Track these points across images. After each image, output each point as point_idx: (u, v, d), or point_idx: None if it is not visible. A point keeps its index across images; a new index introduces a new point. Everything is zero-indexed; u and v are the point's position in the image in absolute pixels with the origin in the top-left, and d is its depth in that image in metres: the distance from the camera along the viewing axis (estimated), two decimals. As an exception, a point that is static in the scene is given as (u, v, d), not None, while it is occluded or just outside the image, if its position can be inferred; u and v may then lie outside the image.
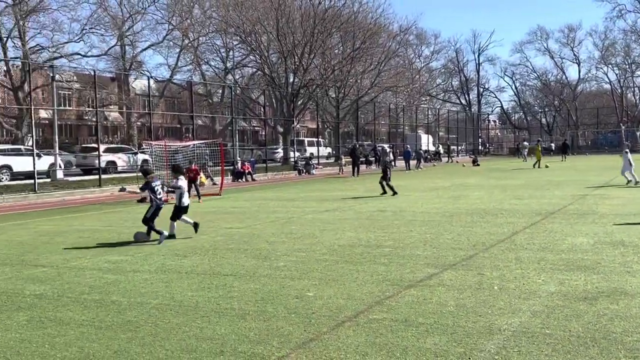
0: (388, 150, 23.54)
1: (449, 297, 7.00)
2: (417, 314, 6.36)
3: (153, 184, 12.63)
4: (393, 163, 45.03)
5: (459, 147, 74.56)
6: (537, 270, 8.28)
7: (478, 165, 46.50)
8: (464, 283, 7.68)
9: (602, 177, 26.86)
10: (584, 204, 16.34)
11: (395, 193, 20.93)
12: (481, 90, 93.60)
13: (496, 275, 8.02)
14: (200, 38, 58.00)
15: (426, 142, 63.08)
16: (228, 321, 6.37)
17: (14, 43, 47.16)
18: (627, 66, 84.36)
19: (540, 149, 42.63)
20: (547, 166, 39.48)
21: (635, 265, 8.39)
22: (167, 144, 26.59)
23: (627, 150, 23.28)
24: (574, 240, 10.57)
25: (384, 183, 21.33)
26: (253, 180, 34.69)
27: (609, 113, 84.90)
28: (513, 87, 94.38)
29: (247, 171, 35.08)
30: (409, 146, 50.12)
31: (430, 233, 12.05)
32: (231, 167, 35.88)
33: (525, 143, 60.81)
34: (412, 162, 44.57)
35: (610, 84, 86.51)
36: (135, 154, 39.59)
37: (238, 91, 53.12)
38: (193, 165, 22.96)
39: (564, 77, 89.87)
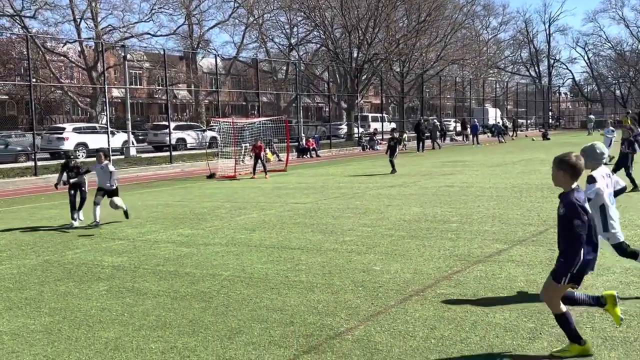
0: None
1: (519, 273, 6.91)
2: (486, 289, 6.32)
3: None
4: (442, 138, 44.44)
5: (529, 121, 72.51)
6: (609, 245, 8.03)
7: (548, 139, 45.14)
8: (534, 259, 7.55)
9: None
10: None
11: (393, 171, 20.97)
12: (552, 61, 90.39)
13: (568, 251, 7.84)
14: (265, 15, 58.31)
15: (494, 115, 61.58)
16: (297, 293, 6.50)
17: (87, 24, 48.70)
18: None
19: (628, 119, 40.62)
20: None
21: None
22: (234, 121, 27.03)
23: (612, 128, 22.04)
24: (650, 216, 10.19)
25: (393, 161, 21.29)
26: (317, 156, 34.87)
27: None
28: (585, 57, 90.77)
29: (311, 147, 35.27)
30: (476, 120, 49.29)
31: (498, 208, 11.86)
32: (296, 144, 36.15)
33: (592, 116, 58.50)
34: (482, 137, 43.66)
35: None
36: (204, 131, 40.40)
37: (302, 67, 53.21)
38: (259, 142, 23.31)
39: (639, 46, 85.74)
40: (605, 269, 6.90)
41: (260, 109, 41.64)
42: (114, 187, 12.07)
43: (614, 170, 13.03)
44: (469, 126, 45.57)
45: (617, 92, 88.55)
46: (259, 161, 22.49)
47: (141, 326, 5.67)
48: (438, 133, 42.15)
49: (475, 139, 41.40)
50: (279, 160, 29.34)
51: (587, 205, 4.45)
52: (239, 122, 27.81)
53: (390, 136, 24.77)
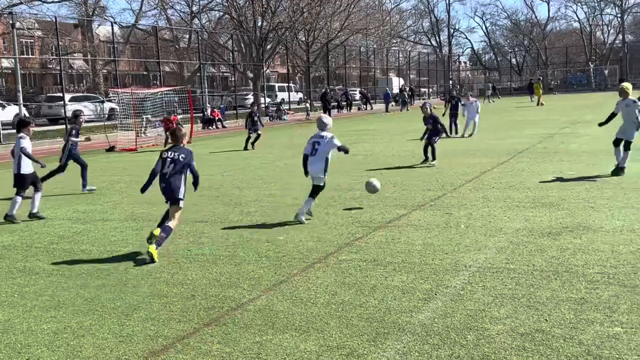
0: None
1: (417, 237, 7.11)
2: (386, 254, 6.47)
3: None
4: (348, 107, 45.91)
5: (430, 90, 74.50)
6: (503, 208, 8.43)
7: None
8: (431, 222, 7.80)
9: (571, 117, 27.17)
10: (552, 143, 16.56)
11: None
12: (452, 31, 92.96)
13: (463, 214, 8.16)
14: (165, -19, 56.26)
15: (397, 85, 62.80)
16: (199, 266, 6.40)
17: (-31, -11, 45.25)
18: (596, 4, 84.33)
19: (541, 86, 42.71)
20: (542, 104, 39.39)
21: (598, 200, 8.59)
22: (134, 92, 26.07)
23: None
24: (540, 178, 10.75)
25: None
26: (223, 127, 34.36)
27: (577, 52, 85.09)
28: (483, 27, 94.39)
29: (217, 118, 34.71)
30: (387, 89, 50.65)
31: (400, 175, 12.14)
32: (200, 115, 35.44)
33: (489, 84, 60.90)
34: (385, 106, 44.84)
35: (579, 23, 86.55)
36: (102, 102, 38.80)
37: (205, 36, 51.97)
38: (172, 115, 22.75)
39: (533, 16, 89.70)
40: (497, 229, 7.23)
41: (162, 79, 40.41)
42: None
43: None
44: (369, 95, 47.62)
45: (513, 60, 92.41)
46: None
47: (33, 307, 5.41)
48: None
49: (386, 107, 42.99)
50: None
51: None
52: (139, 93, 26.87)
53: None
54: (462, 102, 21.68)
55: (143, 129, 25.53)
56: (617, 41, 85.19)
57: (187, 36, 61.34)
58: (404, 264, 6.09)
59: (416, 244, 6.79)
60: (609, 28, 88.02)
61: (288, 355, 4.17)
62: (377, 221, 8.06)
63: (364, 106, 50.17)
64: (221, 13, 57.21)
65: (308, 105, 42.87)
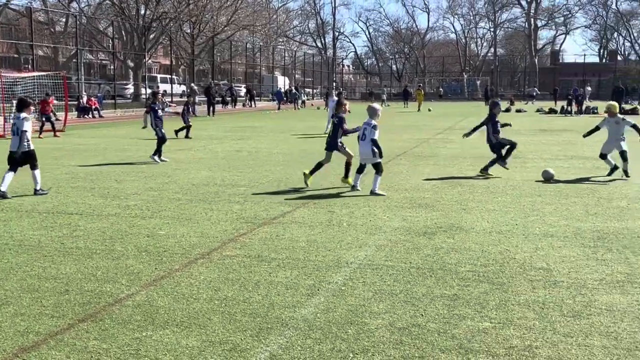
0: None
1: (301, 234, 7.20)
2: (270, 250, 6.49)
3: None
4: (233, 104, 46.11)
5: (314, 90, 75.52)
6: (382, 208, 8.72)
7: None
8: (315, 220, 7.92)
9: (446, 123, 28.57)
10: (427, 147, 17.33)
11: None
12: (336, 34, 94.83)
13: (345, 213, 8.35)
14: (41, -41, 53.06)
15: (283, 83, 63.13)
16: (73, 260, 6.11)
17: None
18: (472, 17, 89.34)
19: (422, 93, 44.75)
20: (429, 110, 41.06)
21: (470, 203, 9.11)
22: (3, 75, 24.36)
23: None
24: (416, 181, 11.22)
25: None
26: (100, 116, 32.96)
27: (453, 62, 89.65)
28: (367, 32, 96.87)
29: (93, 107, 33.22)
30: (280, 87, 51.41)
31: (285, 173, 12.22)
32: (76, 102, 33.76)
33: (384, 88, 63.08)
34: (271, 104, 45.08)
35: (456, 34, 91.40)
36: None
37: (84, 20, 49.53)
38: (50, 98, 21.63)
39: (414, 25, 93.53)
40: (377, 228, 7.47)
41: (35, 63, 38.05)
42: None
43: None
44: (254, 92, 48.28)
45: (394, 66, 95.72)
46: (47, 119, 20.88)
47: None
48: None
49: (279, 105, 43.81)
50: (57, 119, 27.19)
51: None
52: (8, 77, 25.16)
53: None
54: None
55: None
56: (489, 54, 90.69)
57: (64, 20, 58.15)
58: (288, 260, 6.14)
59: (300, 241, 6.87)
60: (483, 41, 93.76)
61: (169, 352, 4.07)
62: (261, 217, 8.07)
63: (249, 102, 50.10)
64: (102, -2, 54.84)
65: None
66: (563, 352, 4.08)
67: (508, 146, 11.91)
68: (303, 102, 50.05)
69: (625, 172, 11.32)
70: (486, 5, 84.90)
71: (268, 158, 14.71)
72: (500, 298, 5.07)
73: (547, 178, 11.11)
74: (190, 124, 20.54)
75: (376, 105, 10.16)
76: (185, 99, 45.36)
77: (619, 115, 11.74)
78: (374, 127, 9.71)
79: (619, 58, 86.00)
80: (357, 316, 4.67)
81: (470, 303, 4.95)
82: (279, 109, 44.91)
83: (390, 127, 26.00)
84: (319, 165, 10.45)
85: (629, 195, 9.78)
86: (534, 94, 56.87)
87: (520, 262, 6.08)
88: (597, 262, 6.08)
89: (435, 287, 5.35)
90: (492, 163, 11.74)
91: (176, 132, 19.99)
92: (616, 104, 12.13)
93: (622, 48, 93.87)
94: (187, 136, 20.07)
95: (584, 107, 38.37)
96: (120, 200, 9.31)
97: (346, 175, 10.41)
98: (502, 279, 5.57)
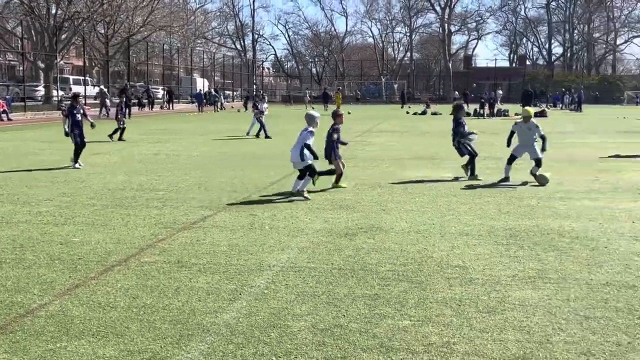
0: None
1: (222, 238, 7.12)
2: (190, 255, 6.39)
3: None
4: (150, 106, 45.45)
5: (234, 93, 74.97)
6: (304, 210, 8.76)
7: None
8: (237, 224, 7.85)
9: (365, 126, 29.01)
10: (347, 150, 17.53)
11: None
12: (256, 36, 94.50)
13: (267, 216, 8.33)
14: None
15: (201, 85, 62.29)
16: (-20, 271, 5.79)
17: None
18: (388, 22, 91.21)
19: (340, 96, 45.70)
20: (349, 113, 41.30)
21: (389, 204, 9.28)
22: None
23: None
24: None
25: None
26: (9, 120, 31.45)
27: (371, 66, 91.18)
28: (286, 35, 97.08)
29: (1, 110, 31.67)
30: (200, 89, 51.06)
31: (204, 176, 12.05)
32: (-18, 105, 32.06)
33: (308, 90, 63.49)
34: (190, 106, 44.57)
35: (374, 38, 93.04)
36: None
37: (-10, 19, 47.11)
38: None
39: (333, 29, 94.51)
40: (299, 230, 7.49)
41: None
42: None
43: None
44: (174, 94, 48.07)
45: (314, 70, 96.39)
46: None
47: None
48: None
49: (199, 107, 44.06)
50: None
51: None
52: None
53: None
54: (265, 106, 22.76)
55: None
56: (405, 58, 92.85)
57: (-33, 17, 55.07)
58: (209, 265, 6.06)
59: (221, 245, 6.79)
60: (399, 45, 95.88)
61: (85, 363, 3.93)
62: (181, 222, 7.92)
63: (167, 105, 49.18)
64: (9, -4, 52.27)
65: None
66: (479, 347, 4.22)
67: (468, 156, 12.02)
68: (222, 104, 49.80)
69: (535, 175, 11.61)
70: (402, 11, 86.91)
71: (187, 161, 14.48)
72: (419, 296, 5.19)
73: (543, 183, 11.15)
74: (124, 125, 20.08)
75: (314, 112, 10.32)
76: (98, 100, 44.04)
77: (532, 120, 11.93)
78: (311, 132, 9.91)
79: (527, 63, 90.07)
80: (279, 319, 4.66)
81: (391, 302, 5.05)
82: (200, 111, 44.52)
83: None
84: (331, 172, 10.68)
85: (539, 194, 10.24)
86: (456, 96, 58.80)
87: (438, 260, 6.26)
88: (510, 259, 6.33)
89: (356, 287, 5.42)
90: (471, 164, 11.89)
91: (110, 135, 19.61)
92: (530, 109, 12.34)
93: (531, 53, 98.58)
94: (120, 138, 19.67)
95: (495, 110, 39.98)
96: (31, 206, 8.91)
97: (336, 181, 10.76)
98: (420, 277, 5.71)
